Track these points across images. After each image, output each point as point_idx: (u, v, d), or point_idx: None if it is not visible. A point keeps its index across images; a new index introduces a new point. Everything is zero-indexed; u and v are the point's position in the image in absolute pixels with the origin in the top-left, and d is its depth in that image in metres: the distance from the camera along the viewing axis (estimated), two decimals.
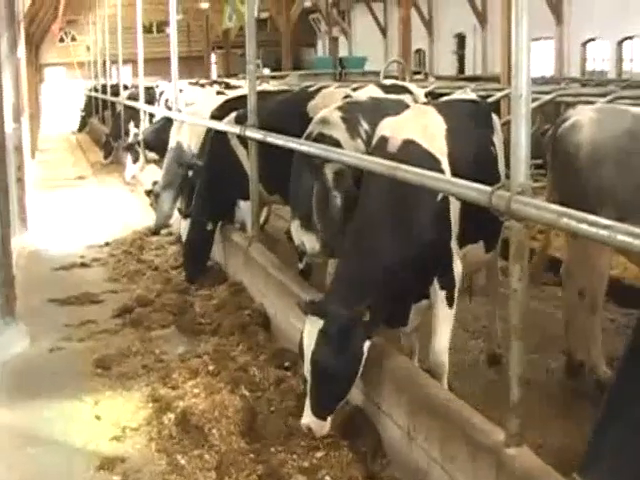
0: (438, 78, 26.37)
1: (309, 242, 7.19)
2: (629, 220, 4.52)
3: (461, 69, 40.85)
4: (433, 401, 4.87)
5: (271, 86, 15.56)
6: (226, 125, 9.46)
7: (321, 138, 7.10)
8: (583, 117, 6.25)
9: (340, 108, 7.58)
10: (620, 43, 29.55)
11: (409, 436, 4.94)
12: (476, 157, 5.99)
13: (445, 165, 5.69)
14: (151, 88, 20.38)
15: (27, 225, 13.20)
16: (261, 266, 8.26)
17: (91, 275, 10.57)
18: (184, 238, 9.84)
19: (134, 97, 19.95)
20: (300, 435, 5.34)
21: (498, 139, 6.55)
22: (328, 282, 7.64)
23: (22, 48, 14.09)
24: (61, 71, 55.21)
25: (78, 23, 45.92)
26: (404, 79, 14.99)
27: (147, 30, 35.49)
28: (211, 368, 6.75)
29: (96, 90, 32.42)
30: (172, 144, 12.17)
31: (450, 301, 5.59)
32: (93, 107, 32.96)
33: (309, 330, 5.15)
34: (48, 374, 7.15)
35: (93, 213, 15.11)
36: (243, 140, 9.14)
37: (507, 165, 5.94)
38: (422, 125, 5.88)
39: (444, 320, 5.60)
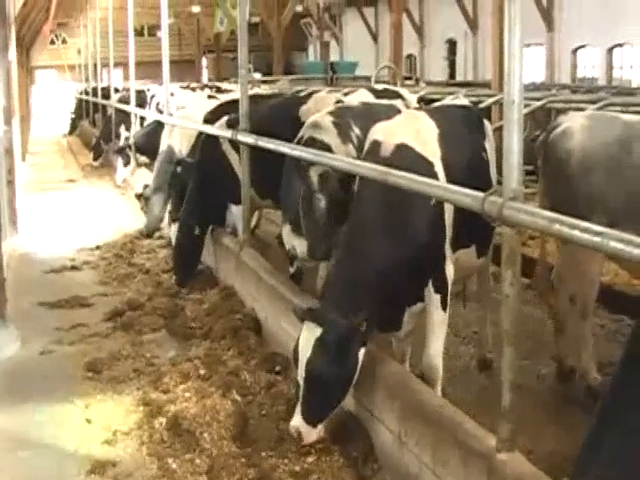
0: (429, 84, 26.44)
1: (300, 246, 7.21)
2: (619, 226, 4.55)
3: (452, 75, 40.95)
4: (425, 406, 4.88)
5: (262, 90, 15.56)
6: (218, 129, 9.46)
7: (312, 142, 7.12)
8: (574, 124, 6.28)
9: (332, 113, 7.59)
10: (610, 50, 29.68)
11: (400, 441, 4.95)
12: (468, 162, 6.01)
13: (438, 169, 5.70)
14: (142, 91, 20.38)
15: (17, 228, 13.17)
16: (252, 270, 8.26)
17: (82, 278, 10.54)
18: (173, 242, 9.83)
19: (125, 100, 19.94)
20: (291, 439, 5.32)
21: (489, 145, 6.58)
22: (319, 286, 7.67)
23: (13, 50, 14.03)
24: (52, 74, 55.11)
25: (69, 26, 45.91)
26: (395, 84, 14.99)
27: (138, 33, 35.47)
28: (202, 372, 6.75)
29: (87, 93, 32.38)
30: (163, 147, 12.18)
31: (444, 305, 5.61)
32: (84, 110, 32.93)
33: (305, 337, 5.14)
34: (39, 377, 7.13)
35: (84, 216, 15.07)
36: (235, 144, 9.14)
37: (498, 171, 5.98)
38: (415, 129, 5.89)
39: (438, 324, 5.61)
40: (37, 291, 9.79)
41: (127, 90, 20.49)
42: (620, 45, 29.08)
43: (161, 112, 14.97)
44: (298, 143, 7.25)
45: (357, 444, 5.29)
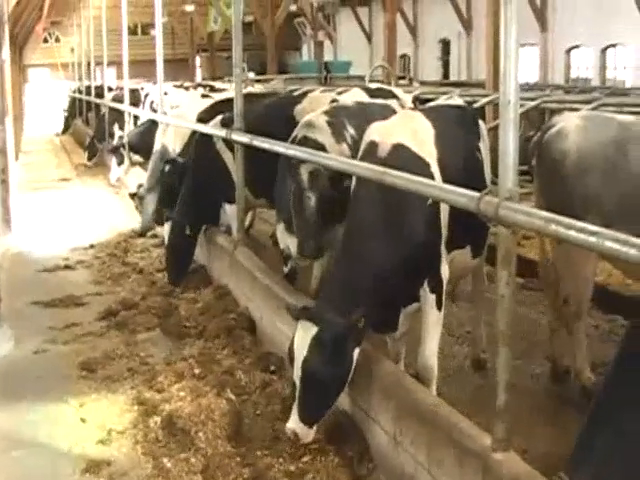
0: (423, 83, 26.42)
1: (294, 245, 7.21)
2: (614, 227, 4.56)
3: (446, 74, 40.96)
4: (420, 406, 4.89)
5: (256, 89, 15.56)
6: (212, 128, 9.45)
7: (305, 141, 7.14)
8: (569, 124, 6.28)
9: (326, 112, 7.61)
10: (604, 51, 29.71)
11: (396, 441, 4.95)
12: (463, 162, 6.03)
13: (435, 169, 5.71)
14: (136, 90, 20.37)
15: (11, 227, 13.15)
16: (247, 270, 8.26)
17: (75, 277, 10.53)
18: (166, 241, 9.83)
19: (119, 99, 19.91)
20: (286, 439, 5.31)
21: (484, 145, 6.59)
22: (313, 286, 7.68)
23: (6, 49, 13.99)
24: (45, 72, 54.98)
25: (62, 24, 45.74)
26: (389, 84, 15.01)
27: (132, 32, 35.36)
28: (197, 371, 6.75)
29: (80, 92, 32.32)
30: (157, 146, 12.17)
31: (439, 305, 5.61)
32: (77, 109, 32.87)
33: (301, 336, 5.12)
34: (33, 377, 7.13)
35: (77, 215, 15.06)
36: (229, 143, 9.13)
37: (493, 171, 5.99)
38: (411, 130, 5.90)
39: (433, 324, 5.61)
40: (31, 290, 9.78)
41: (121, 89, 20.48)
42: (614, 46, 29.12)
43: (155, 111, 14.96)
44: (292, 142, 7.26)
45: (352, 444, 5.30)
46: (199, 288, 9.27)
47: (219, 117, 9.61)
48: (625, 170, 5.98)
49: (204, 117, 10.48)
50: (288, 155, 6.99)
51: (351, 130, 7.37)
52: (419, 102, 10.67)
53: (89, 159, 22.06)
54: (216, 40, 43.30)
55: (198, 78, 45.12)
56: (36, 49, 49.00)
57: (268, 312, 7.38)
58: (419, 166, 5.60)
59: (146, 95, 19.27)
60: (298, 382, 5.11)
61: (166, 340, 7.89)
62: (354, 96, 9.09)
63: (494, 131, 9.21)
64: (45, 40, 51.67)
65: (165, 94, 14.39)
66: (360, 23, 47.36)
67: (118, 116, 19.71)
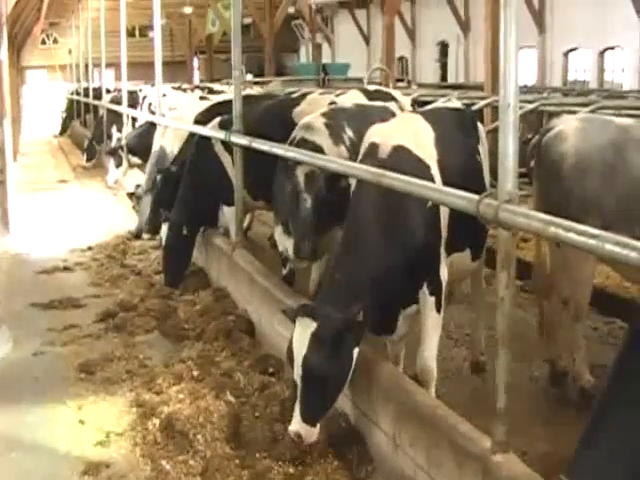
0: (421, 86, 26.46)
1: (292, 248, 7.21)
2: (613, 230, 4.57)
3: (444, 77, 41.00)
4: (419, 408, 4.88)
5: (254, 91, 15.56)
6: (211, 130, 9.45)
7: (303, 143, 7.14)
8: (568, 127, 6.29)
9: (324, 114, 7.62)
10: (602, 53, 29.76)
11: (395, 443, 4.95)
12: (463, 165, 6.04)
13: (435, 171, 5.72)
14: (134, 92, 20.34)
15: (9, 229, 13.14)
16: (245, 272, 8.26)
17: (74, 279, 10.52)
18: (163, 243, 9.83)
19: (117, 101, 19.90)
20: (286, 441, 5.29)
21: (483, 148, 6.60)
22: (312, 288, 7.68)
23: (4, 50, 13.99)
24: (43, 74, 54.96)
25: (60, 25, 45.76)
26: (387, 86, 15.02)
27: (130, 34, 35.35)
28: (195, 373, 6.75)
29: (78, 93, 32.30)
30: (155, 148, 12.17)
31: (439, 307, 5.60)
32: (75, 110, 32.87)
33: (300, 333, 5.05)
34: (31, 379, 7.11)
35: (76, 217, 15.05)
36: (227, 145, 9.13)
37: (491, 174, 5.99)
38: (412, 132, 5.91)
39: (433, 326, 5.60)
40: (29, 292, 9.77)
41: (119, 91, 20.46)
42: (611, 48, 29.17)
43: (153, 113, 14.95)
44: (290, 144, 7.26)
45: (351, 446, 5.30)
46: (197, 290, 9.26)
47: (217, 119, 9.61)
48: (623, 173, 5.99)
49: (202, 119, 10.48)
50: (287, 157, 6.99)
51: (349, 132, 7.38)
52: (417, 104, 10.68)
53: (87, 161, 22.05)
54: (214, 42, 43.34)
55: (196, 80, 45.13)
56: (34, 51, 49.00)
57: (267, 314, 7.38)
58: (419, 168, 5.60)
59: (144, 97, 19.25)
60: (299, 381, 5.02)
61: (165, 342, 7.89)
62: (352, 98, 9.10)
63: (492, 134, 9.26)
64: (43, 42, 51.65)
65: (163, 96, 14.39)
66: (358, 25, 47.40)
67: (116, 118, 19.70)
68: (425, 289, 5.55)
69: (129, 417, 6.15)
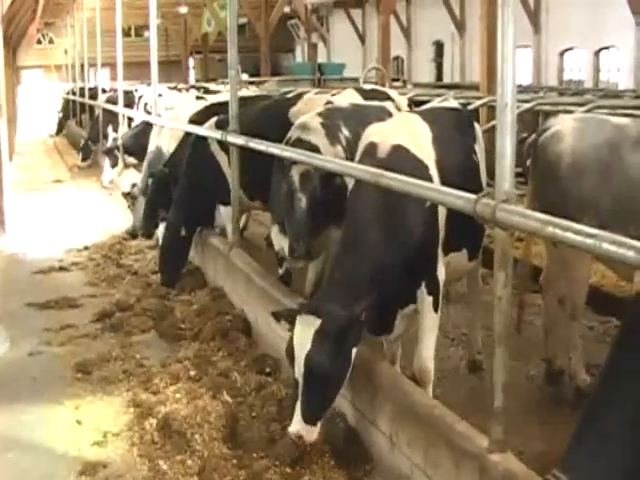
0: (416, 85, 26.47)
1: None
2: (609, 228, 4.58)
3: (439, 77, 41.03)
4: (416, 408, 4.89)
5: (251, 91, 15.56)
6: (207, 130, 9.45)
7: (299, 143, 7.14)
8: (564, 126, 6.30)
9: (321, 114, 7.62)
10: (597, 53, 29.80)
11: (392, 442, 4.96)
12: (460, 165, 6.06)
13: (433, 171, 5.73)
14: (130, 92, 20.33)
15: (5, 228, 13.13)
16: (242, 272, 8.26)
17: (70, 279, 10.52)
18: (160, 242, 9.83)
19: (113, 101, 19.89)
20: (284, 441, 5.28)
21: (479, 147, 6.61)
22: (308, 288, 7.68)
23: (0, 50, 14.00)
24: (38, 74, 54.89)
25: (56, 25, 45.68)
26: (383, 86, 15.03)
27: (125, 34, 35.31)
28: (192, 373, 6.76)
29: (74, 93, 32.29)
30: (151, 148, 12.16)
31: (436, 307, 5.61)
32: (71, 110, 32.84)
33: (301, 331, 4.99)
34: (28, 379, 7.11)
35: (72, 217, 15.05)
36: (223, 145, 9.13)
37: (488, 173, 6.00)
38: (410, 131, 5.92)
39: (430, 326, 5.61)
40: (25, 292, 9.77)
41: (115, 91, 20.45)
42: (607, 48, 29.21)
43: (149, 113, 14.94)
44: (286, 144, 7.26)
45: (349, 445, 5.30)
46: (194, 290, 9.27)
47: (214, 119, 9.61)
48: (620, 172, 6.00)
49: (198, 119, 10.48)
50: (284, 157, 7.00)
51: (345, 132, 7.38)
52: (414, 104, 10.68)
53: (83, 161, 22.05)
54: (210, 42, 43.31)
55: (191, 80, 45.12)
56: (29, 51, 48.89)
57: (263, 314, 7.37)
58: (418, 168, 5.61)
59: (140, 97, 19.25)
60: (301, 379, 4.94)
61: (161, 342, 7.90)
62: (348, 97, 9.10)
63: (488, 133, 9.27)
64: (39, 42, 51.57)
65: (159, 96, 14.38)
66: (354, 25, 47.40)
67: (112, 118, 19.69)
68: (423, 288, 5.55)
69: (126, 417, 6.15)
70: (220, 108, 9.95)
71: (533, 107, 12.58)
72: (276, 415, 5.84)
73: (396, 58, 42.06)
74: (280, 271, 8.30)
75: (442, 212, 5.62)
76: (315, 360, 4.91)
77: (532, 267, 7.40)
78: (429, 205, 5.53)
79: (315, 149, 7.03)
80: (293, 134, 7.37)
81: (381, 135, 5.84)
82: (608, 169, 6.02)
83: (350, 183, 6.00)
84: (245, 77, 33.63)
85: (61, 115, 34.51)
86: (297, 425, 4.93)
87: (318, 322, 4.97)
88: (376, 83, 16.62)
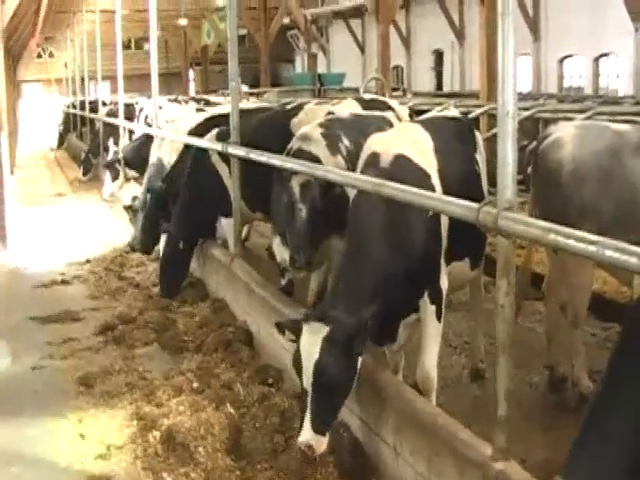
0: (416, 94, 26.54)
1: None
2: (610, 235, 4.57)
3: (439, 85, 41.09)
4: (420, 416, 4.88)
5: (251, 103, 15.56)
6: (208, 142, 9.46)
7: (300, 154, 7.14)
8: (565, 133, 6.30)
9: (321, 124, 7.62)
10: (596, 60, 29.84)
11: (396, 451, 4.94)
12: (462, 173, 6.06)
13: (435, 180, 5.73)
14: (130, 105, 20.35)
15: (6, 243, 13.14)
16: (244, 283, 8.26)
17: (72, 292, 10.52)
18: (161, 254, 9.82)
19: (113, 114, 19.91)
20: (293, 452, 5.24)
21: (481, 156, 6.62)
22: (310, 298, 7.68)
23: (1, 64, 14.03)
24: (38, 88, 55.01)
25: (56, 39, 45.80)
26: (383, 95, 15.05)
27: (125, 46, 35.40)
28: (195, 385, 6.74)
29: (74, 106, 32.35)
30: (153, 160, 12.16)
31: (439, 316, 5.60)
32: (71, 124, 32.89)
33: (309, 338, 4.93)
34: (30, 392, 7.10)
35: (73, 230, 15.05)
36: (224, 157, 9.14)
37: (489, 181, 6.00)
38: (412, 141, 5.92)
39: (433, 335, 5.60)
40: (27, 306, 9.76)
41: (115, 103, 20.47)
42: (606, 55, 29.26)
43: (150, 125, 14.95)
44: (287, 155, 7.27)
45: (352, 455, 5.28)
46: (196, 302, 9.26)
47: (215, 131, 9.62)
48: (620, 178, 6.00)
49: (199, 131, 10.49)
50: (285, 168, 7.00)
51: (346, 142, 7.38)
52: (414, 113, 10.69)
53: (84, 174, 22.06)
54: (210, 54, 43.41)
55: (191, 92, 45.18)
56: (30, 65, 49.04)
57: (265, 325, 7.37)
58: (420, 177, 5.61)
59: (141, 109, 19.26)
60: (310, 389, 4.87)
61: (164, 354, 7.88)
62: (347, 107, 9.10)
63: (489, 141, 9.28)
64: (39, 55, 51.74)
65: (160, 108, 14.39)
66: (353, 35, 47.50)
67: (113, 131, 19.71)
68: (426, 298, 5.55)
69: (129, 430, 6.13)
70: (220, 120, 9.96)
71: (533, 114, 12.61)
72: (279, 426, 5.83)
73: (396, 67, 42.13)
74: (282, 282, 8.29)
75: (445, 221, 5.61)
76: (324, 367, 4.84)
77: (533, 274, 7.41)
78: (432, 214, 5.52)
79: (316, 160, 7.03)
80: (294, 145, 7.38)
81: (383, 145, 5.84)
82: (608, 175, 6.02)
83: (350, 192, 6.00)
84: (245, 88, 33.73)
85: (62, 128, 34.56)
86: (307, 434, 4.82)
87: (325, 330, 4.91)
88: (376, 93, 16.65)
